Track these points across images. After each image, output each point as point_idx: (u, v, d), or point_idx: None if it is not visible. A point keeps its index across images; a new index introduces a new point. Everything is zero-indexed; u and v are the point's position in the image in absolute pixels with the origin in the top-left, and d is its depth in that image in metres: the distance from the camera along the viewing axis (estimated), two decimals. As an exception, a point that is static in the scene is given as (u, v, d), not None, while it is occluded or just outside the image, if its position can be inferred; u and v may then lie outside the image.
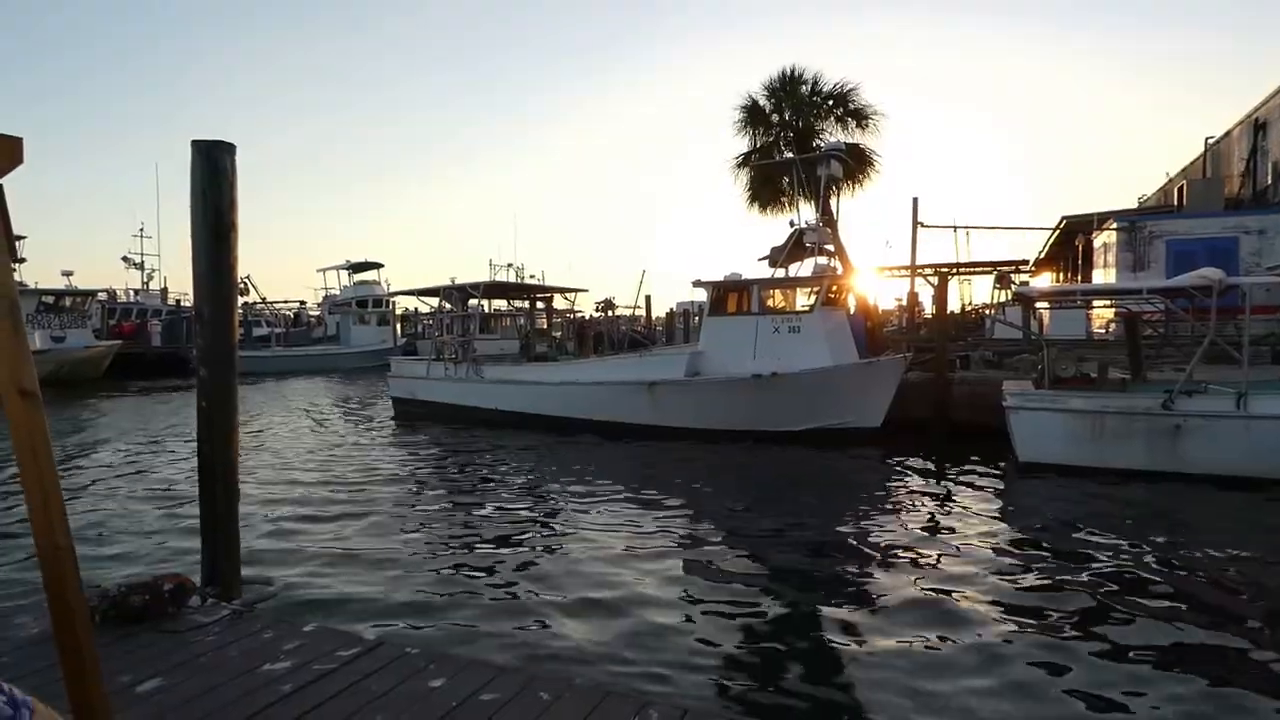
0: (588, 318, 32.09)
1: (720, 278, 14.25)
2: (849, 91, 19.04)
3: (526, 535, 7.74)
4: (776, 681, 4.53)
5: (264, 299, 42.17)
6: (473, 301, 18.28)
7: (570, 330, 26.89)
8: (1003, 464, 10.48)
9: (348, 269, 44.47)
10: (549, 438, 13.90)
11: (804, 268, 14.63)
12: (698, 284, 14.73)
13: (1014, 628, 5.20)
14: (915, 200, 22.31)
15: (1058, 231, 27.36)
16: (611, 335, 26.04)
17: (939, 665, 4.63)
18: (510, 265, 46.39)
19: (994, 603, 5.65)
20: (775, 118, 19.64)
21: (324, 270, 46.34)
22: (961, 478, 10.01)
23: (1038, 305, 15.29)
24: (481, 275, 37.87)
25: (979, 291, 35.99)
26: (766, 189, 19.83)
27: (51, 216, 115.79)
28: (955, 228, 28.39)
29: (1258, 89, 37.38)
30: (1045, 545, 7.14)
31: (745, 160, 20.10)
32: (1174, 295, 10.54)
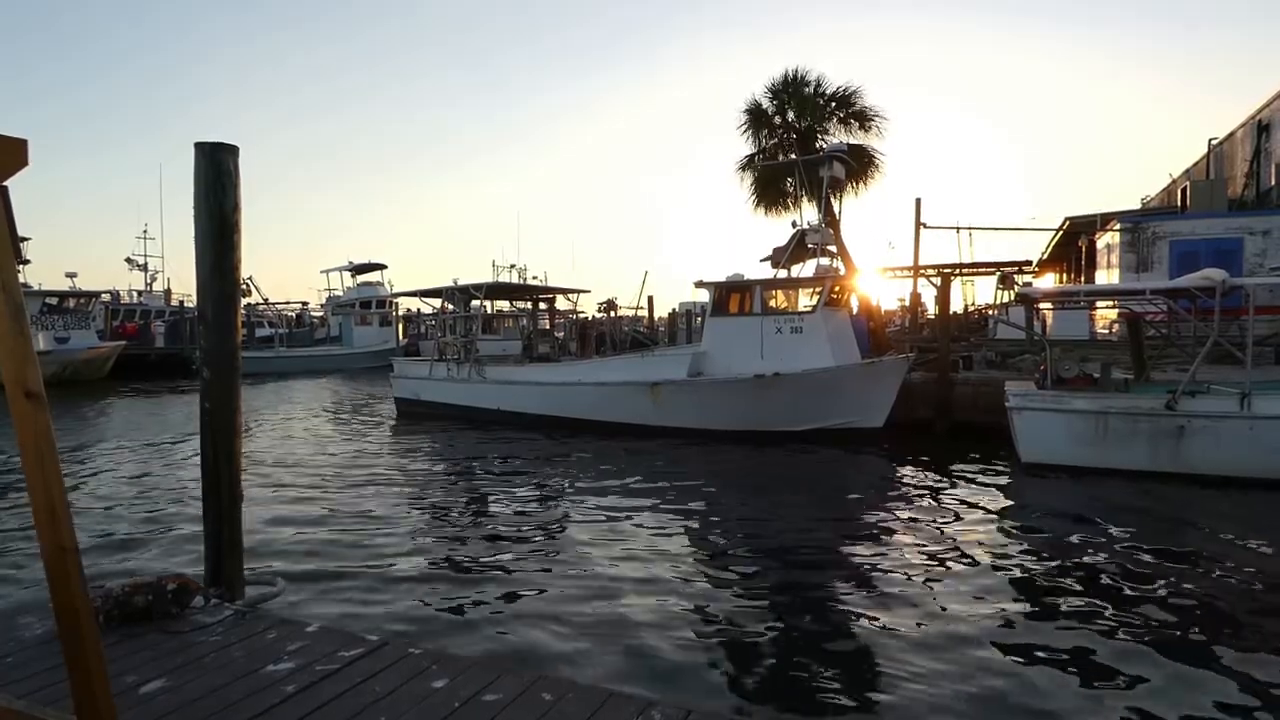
0: (590, 318, 32.08)
1: (722, 278, 14.27)
2: (851, 93, 19.03)
3: (530, 536, 7.75)
4: (779, 682, 4.53)
5: (267, 300, 42.26)
6: (475, 302, 18.30)
7: (572, 331, 26.88)
8: (1005, 464, 10.47)
9: (350, 270, 44.54)
10: (551, 438, 13.91)
11: (806, 268, 14.64)
12: (700, 284, 14.75)
13: (1017, 628, 5.19)
14: (918, 201, 22.30)
15: (1061, 232, 27.34)
16: (614, 336, 26.02)
17: (941, 665, 4.62)
18: (513, 266, 46.35)
19: (997, 603, 5.64)
20: (778, 119, 19.62)
21: (327, 271, 46.44)
22: (964, 478, 10.00)
23: (1041, 306, 15.29)
24: (484, 276, 37.91)
25: (982, 292, 35.96)
26: (769, 190, 19.81)
27: (55, 218, 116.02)
28: (958, 228, 28.43)
29: (1263, 86, 37.34)
30: (1048, 546, 7.13)
31: (749, 162, 20.09)
32: (1177, 296, 10.53)
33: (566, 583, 6.23)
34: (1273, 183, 21.16)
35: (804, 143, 18.83)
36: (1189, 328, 11.80)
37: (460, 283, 18.22)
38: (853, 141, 18.45)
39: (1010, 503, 8.94)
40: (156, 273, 42.45)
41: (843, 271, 15.43)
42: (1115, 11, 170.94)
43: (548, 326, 26.30)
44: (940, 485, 9.75)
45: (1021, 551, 7.03)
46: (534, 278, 46.63)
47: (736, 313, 14.07)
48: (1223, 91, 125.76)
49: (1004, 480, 9.89)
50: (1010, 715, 4.10)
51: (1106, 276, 22.48)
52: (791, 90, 19.08)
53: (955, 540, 7.31)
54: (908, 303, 27.39)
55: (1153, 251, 19.86)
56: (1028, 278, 31.88)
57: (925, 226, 22.87)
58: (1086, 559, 6.65)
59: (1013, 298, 25.71)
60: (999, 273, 29.63)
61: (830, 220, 16.67)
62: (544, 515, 8.65)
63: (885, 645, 4.96)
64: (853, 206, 22.53)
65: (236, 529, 4.63)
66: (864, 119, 19.17)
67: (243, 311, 5.81)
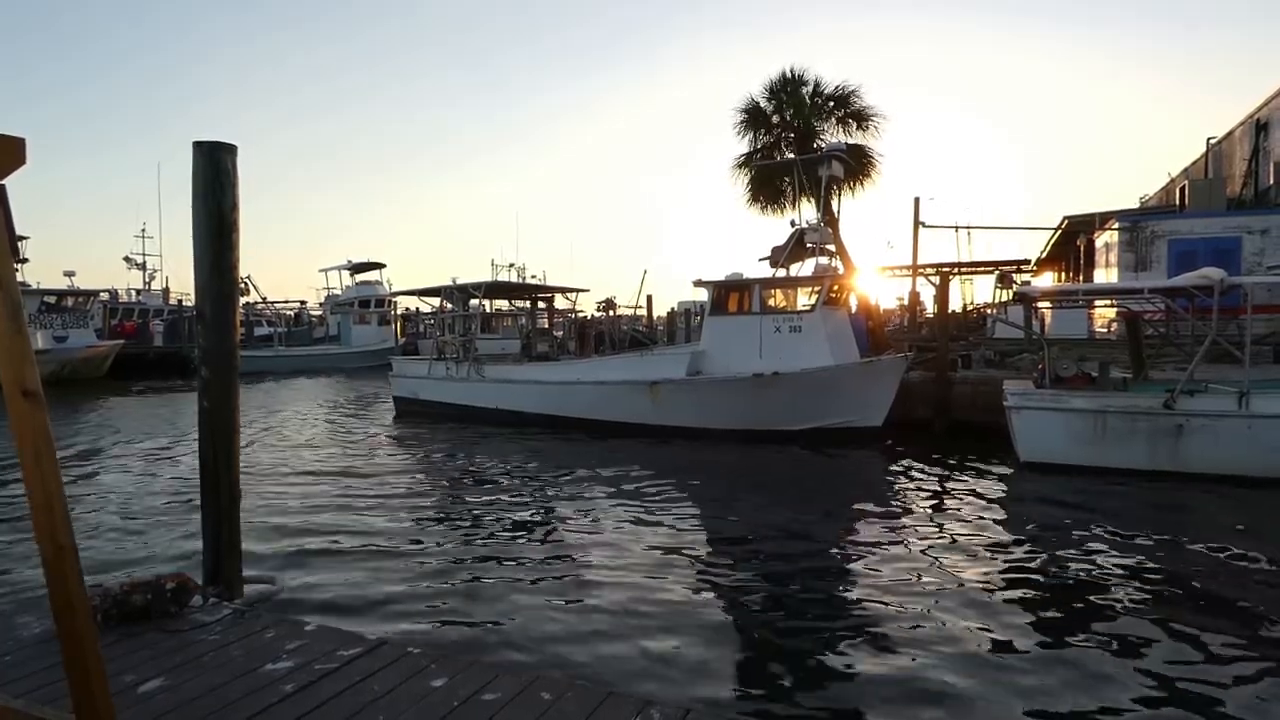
0: (589, 317, 32.11)
1: (721, 277, 14.27)
2: (850, 93, 19.03)
3: (528, 536, 7.75)
4: (778, 682, 4.53)
5: (265, 299, 42.22)
6: (474, 301, 18.30)
7: (571, 330, 26.90)
8: (1004, 464, 10.48)
9: (349, 269, 44.51)
10: (550, 437, 13.91)
11: (805, 267, 14.65)
12: (699, 283, 14.76)
13: (1016, 628, 5.20)
14: (916, 200, 22.38)
15: (1059, 231, 27.37)
16: (612, 335, 26.04)
17: (940, 665, 4.62)
18: (512, 265, 46.42)
19: (996, 604, 5.65)
20: (776, 119, 19.62)
21: (325, 270, 46.43)
22: (963, 477, 10.01)
23: (1039, 305, 15.30)
24: (483, 275, 37.93)
25: (981, 291, 35.98)
26: (767, 189, 19.81)
27: (54, 217, 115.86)
28: (957, 228, 28.48)
29: (1262, 86, 37.35)
30: (1046, 545, 7.13)
31: (746, 161, 20.08)
32: (1175, 295, 10.54)
33: (564, 582, 6.24)
34: (1271, 182, 21.19)
35: (802, 141, 18.83)
36: (1187, 327, 11.83)
37: (459, 282, 18.22)
38: (851, 141, 18.45)
39: (1009, 502, 8.95)
40: (155, 271, 42.40)
41: (841, 270, 15.42)
42: (1115, 11, 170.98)
43: (546, 325, 26.30)
44: (939, 485, 9.76)
45: (1020, 551, 7.03)
46: (533, 277, 46.74)
47: (735, 312, 14.07)
48: (1222, 91, 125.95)
49: (1002, 479, 9.89)
50: (1008, 714, 4.10)
51: (1105, 275, 22.52)
52: (789, 91, 19.08)
53: (954, 540, 7.32)
54: (906, 302, 27.44)
55: (1151, 250, 19.90)
56: (1026, 277, 31.93)
57: (924, 225, 22.94)
58: (1084, 558, 6.66)
59: (1011, 297, 25.83)
60: (997, 272, 29.72)
61: (829, 219, 16.68)
62: (542, 514, 8.65)
63: (884, 645, 4.96)
64: (851, 206, 22.56)
65: (235, 528, 4.65)
66: (861, 118, 19.18)
67: (241, 310, 5.81)
